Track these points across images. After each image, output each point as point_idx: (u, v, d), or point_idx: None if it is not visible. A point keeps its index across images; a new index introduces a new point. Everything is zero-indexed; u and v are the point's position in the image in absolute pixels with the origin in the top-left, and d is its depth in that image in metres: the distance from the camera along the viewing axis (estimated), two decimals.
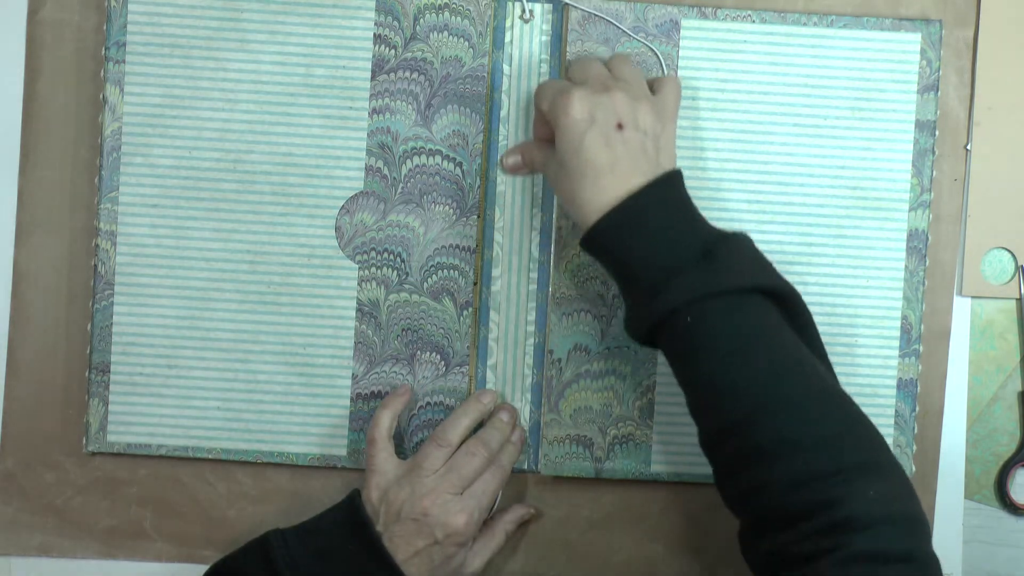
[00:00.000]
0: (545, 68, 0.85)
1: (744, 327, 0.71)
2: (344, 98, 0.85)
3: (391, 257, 0.86)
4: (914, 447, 0.86)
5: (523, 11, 0.85)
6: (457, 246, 0.86)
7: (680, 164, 0.78)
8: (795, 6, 0.86)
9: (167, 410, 0.85)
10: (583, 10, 0.85)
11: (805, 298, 0.74)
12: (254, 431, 0.86)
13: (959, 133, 0.87)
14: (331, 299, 0.85)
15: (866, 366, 0.85)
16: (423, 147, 0.85)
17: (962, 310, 0.88)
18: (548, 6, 0.85)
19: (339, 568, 0.77)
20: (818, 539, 0.66)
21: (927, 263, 0.86)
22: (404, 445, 0.86)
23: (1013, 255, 0.88)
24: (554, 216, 0.85)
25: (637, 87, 0.77)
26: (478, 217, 0.85)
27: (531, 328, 0.86)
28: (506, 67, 0.85)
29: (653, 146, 0.76)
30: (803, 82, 0.85)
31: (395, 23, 0.85)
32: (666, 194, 0.74)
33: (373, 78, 0.85)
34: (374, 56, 0.85)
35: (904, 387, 0.86)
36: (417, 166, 0.85)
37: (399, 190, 0.85)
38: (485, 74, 0.85)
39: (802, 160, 0.85)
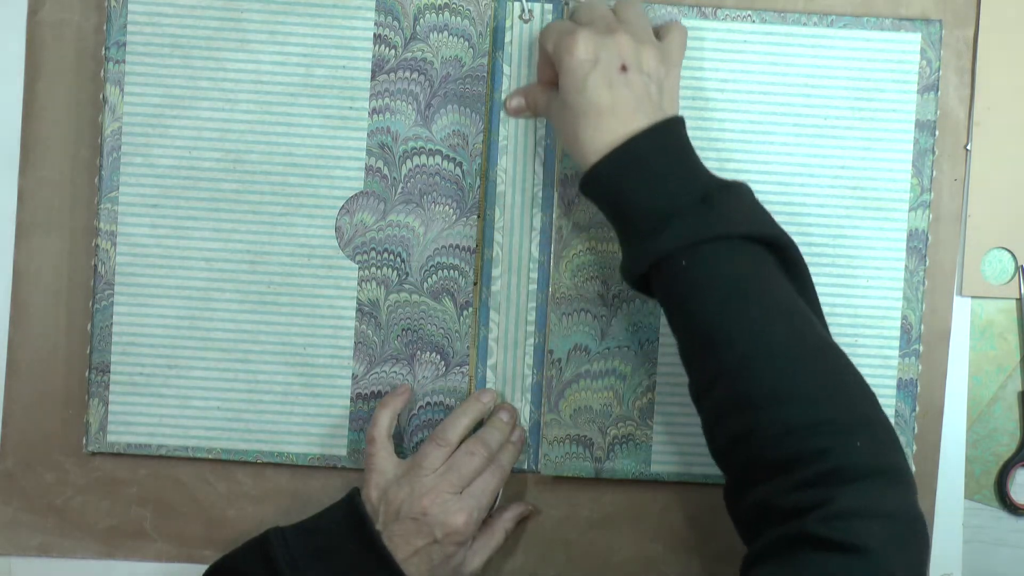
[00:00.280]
0: None
1: (739, 274, 0.71)
2: (344, 98, 0.85)
3: (391, 257, 0.86)
4: (914, 447, 0.86)
5: (523, 11, 0.85)
6: (457, 246, 0.86)
7: None
8: (795, 6, 0.86)
9: (167, 410, 0.85)
10: None
11: None
12: (254, 431, 0.86)
13: (959, 133, 0.87)
14: (331, 299, 0.86)
15: (866, 366, 0.84)
16: (423, 147, 0.85)
17: (962, 310, 0.88)
18: (548, 6, 0.85)
19: (339, 566, 0.77)
20: (804, 491, 0.65)
21: (927, 263, 0.86)
22: (404, 445, 0.86)
23: (1013, 255, 0.88)
24: (554, 216, 0.85)
25: (642, 31, 0.77)
26: (478, 217, 0.85)
27: (531, 328, 0.86)
28: (506, 67, 0.85)
29: (657, 90, 0.76)
30: (803, 82, 0.85)
31: (395, 23, 0.85)
32: (668, 138, 0.74)
33: (373, 78, 0.85)
34: (374, 56, 0.85)
35: (904, 387, 0.86)
36: (417, 166, 0.85)
37: (399, 190, 0.85)
38: (485, 74, 0.85)
39: (802, 160, 0.85)
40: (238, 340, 0.85)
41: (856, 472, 0.65)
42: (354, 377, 0.86)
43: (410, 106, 0.85)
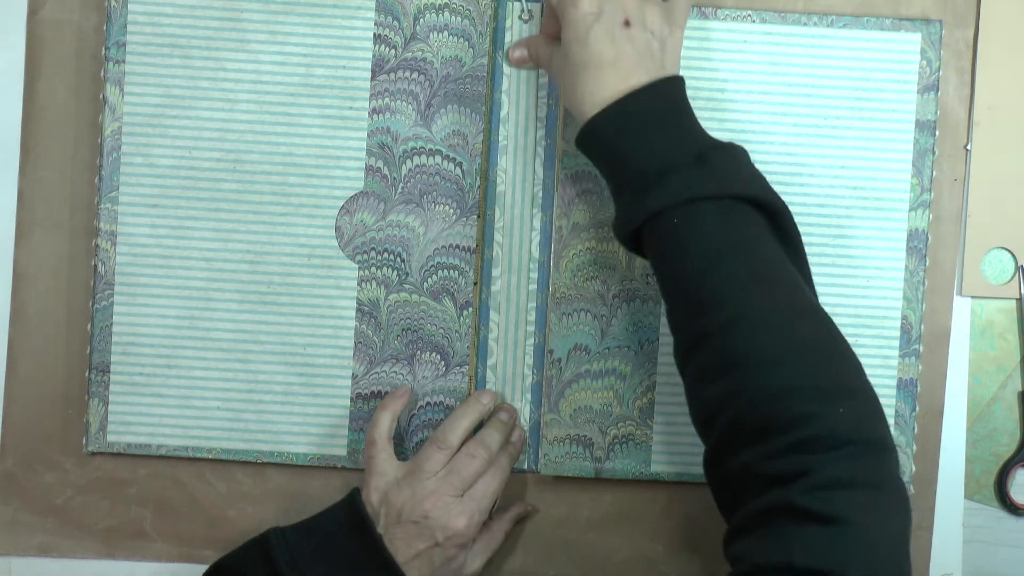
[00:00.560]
0: None
1: (731, 233, 0.71)
2: (344, 98, 0.85)
3: (391, 257, 0.86)
4: (914, 447, 0.86)
5: (523, 11, 0.85)
6: (457, 246, 0.86)
7: None
8: (795, 6, 0.86)
9: (167, 410, 0.85)
10: None
11: None
12: (254, 431, 0.86)
13: (959, 133, 0.87)
14: (331, 299, 0.85)
15: (866, 366, 0.83)
16: (423, 147, 0.85)
17: (962, 310, 0.88)
18: None
19: (340, 567, 0.77)
20: (787, 458, 0.65)
21: (927, 263, 0.86)
22: (404, 445, 0.86)
23: (1013, 255, 0.88)
24: (554, 216, 0.85)
25: None
26: (478, 217, 0.85)
27: (531, 328, 0.86)
28: (506, 67, 0.85)
29: (659, 48, 0.75)
30: (803, 82, 0.85)
31: (395, 23, 0.85)
32: (667, 96, 0.74)
33: (373, 78, 0.85)
34: (374, 56, 0.85)
35: (904, 387, 0.86)
36: (417, 166, 0.85)
37: (399, 190, 0.85)
38: (485, 74, 0.85)
39: (802, 160, 0.85)
40: (238, 340, 0.85)
41: (839, 440, 0.65)
42: (354, 377, 0.86)
43: (410, 106, 0.85)
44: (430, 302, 0.86)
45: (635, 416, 0.85)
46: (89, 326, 0.85)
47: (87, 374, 0.85)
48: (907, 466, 0.86)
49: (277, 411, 0.86)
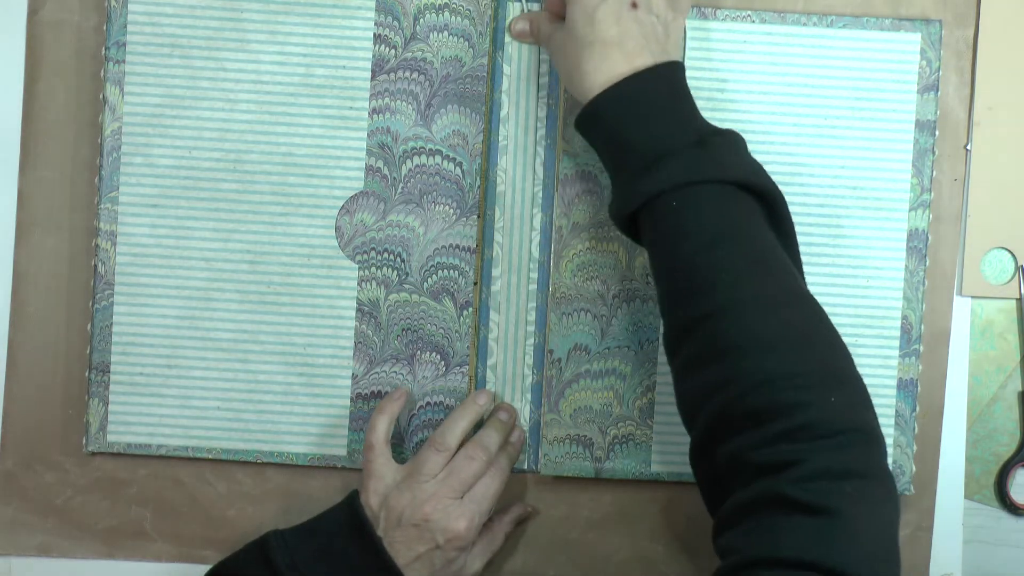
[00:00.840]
0: (545, 68, 0.85)
1: (726, 218, 0.71)
2: (344, 98, 0.85)
3: (391, 257, 0.86)
4: (914, 447, 0.86)
5: (523, 11, 0.85)
6: (457, 246, 0.86)
7: None
8: (795, 6, 0.86)
9: (167, 410, 0.85)
10: None
11: None
12: (254, 431, 0.86)
13: (959, 133, 0.87)
14: (331, 299, 0.85)
15: (866, 366, 0.84)
16: (423, 147, 0.85)
17: (962, 310, 0.88)
18: None
19: (340, 569, 0.77)
20: (777, 446, 0.65)
21: (927, 263, 0.86)
22: (404, 446, 0.86)
23: (1013, 255, 0.88)
24: (554, 216, 0.85)
25: None
26: (478, 217, 0.85)
27: (531, 328, 0.86)
28: (506, 67, 0.85)
29: (664, 31, 0.76)
30: (803, 82, 0.85)
31: (395, 23, 0.85)
32: (670, 80, 0.74)
33: (373, 78, 0.85)
34: (374, 56, 0.85)
35: (904, 387, 0.86)
36: (417, 166, 0.85)
37: (399, 190, 0.85)
38: (485, 74, 0.85)
39: (802, 160, 0.85)
40: (238, 340, 0.85)
41: (829, 428, 0.65)
42: (354, 377, 0.86)
43: (410, 106, 0.85)
44: (430, 302, 0.86)
45: (635, 416, 0.85)
46: (89, 326, 0.85)
47: (87, 374, 0.85)
48: (907, 466, 0.86)
49: (277, 411, 0.86)
